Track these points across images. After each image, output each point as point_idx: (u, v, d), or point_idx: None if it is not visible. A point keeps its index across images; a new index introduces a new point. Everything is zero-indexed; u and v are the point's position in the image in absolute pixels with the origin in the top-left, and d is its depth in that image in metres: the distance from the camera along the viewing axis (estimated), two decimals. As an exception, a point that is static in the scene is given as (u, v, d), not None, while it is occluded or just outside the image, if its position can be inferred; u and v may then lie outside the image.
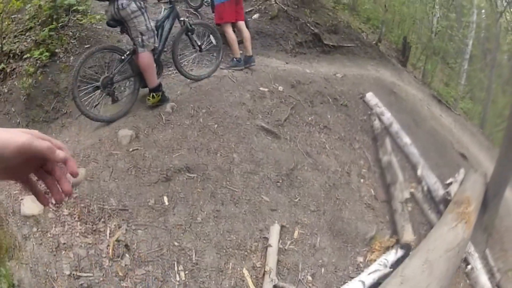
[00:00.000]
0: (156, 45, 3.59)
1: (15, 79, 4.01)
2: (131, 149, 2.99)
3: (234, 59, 4.47)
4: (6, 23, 4.39)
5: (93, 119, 3.47)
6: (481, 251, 3.93)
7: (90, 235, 2.31)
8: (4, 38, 4.30)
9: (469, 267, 3.62)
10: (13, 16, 4.62)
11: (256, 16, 6.07)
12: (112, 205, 2.50)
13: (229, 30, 4.46)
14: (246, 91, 3.91)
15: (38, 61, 4.03)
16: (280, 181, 3.13)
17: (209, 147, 3.13)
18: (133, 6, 3.30)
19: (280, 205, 2.98)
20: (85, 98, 3.45)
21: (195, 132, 3.24)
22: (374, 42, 7.33)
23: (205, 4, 5.77)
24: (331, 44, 6.23)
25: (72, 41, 4.35)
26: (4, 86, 4.01)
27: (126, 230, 2.40)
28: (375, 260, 3.00)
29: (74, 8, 4.51)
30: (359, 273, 2.85)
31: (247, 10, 6.02)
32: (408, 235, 3.32)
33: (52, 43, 4.15)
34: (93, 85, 3.52)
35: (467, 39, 9.13)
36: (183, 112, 3.47)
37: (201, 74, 4.16)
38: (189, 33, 4.05)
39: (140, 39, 3.37)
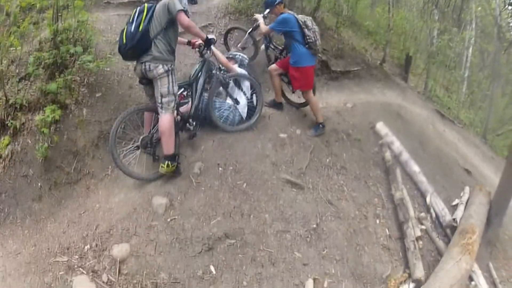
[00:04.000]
0: (174, 109, 3.54)
1: (28, 136, 3.77)
2: (169, 219, 3.17)
3: (320, 126, 4.56)
4: (5, 62, 4.14)
5: (136, 178, 3.59)
6: (484, 265, 4.15)
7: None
8: (6, 83, 4.02)
9: (472, 283, 3.81)
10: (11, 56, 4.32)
11: (263, 46, 6.10)
12: (164, 279, 2.72)
13: (313, 95, 4.48)
14: (267, 141, 4.11)
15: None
16: (309, 236, 3.37)
17: (242, 209, 3.35)
18: (160, 68, 3.37)
19: (310, 259, 3.21)
20: (124, 159, 3.54)
21: (226, 194, 3.45)
22: (378, 63, 7.50)
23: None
24: (338, 70, 6.41)
25: (82, 89, 4.24)
26: (16, 144, 3.71)
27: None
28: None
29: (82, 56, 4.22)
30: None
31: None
32: (419, 272, 3.60)
33: (61, 93, 3.98)
34: (132, 145, 3.62)
35: (466, 49, 9.32)
36: (211, 172, 3.65)
37: (238, 127, 4.22)
38: (224, 87, 4.11)
39: (160, 100, 3.42)
